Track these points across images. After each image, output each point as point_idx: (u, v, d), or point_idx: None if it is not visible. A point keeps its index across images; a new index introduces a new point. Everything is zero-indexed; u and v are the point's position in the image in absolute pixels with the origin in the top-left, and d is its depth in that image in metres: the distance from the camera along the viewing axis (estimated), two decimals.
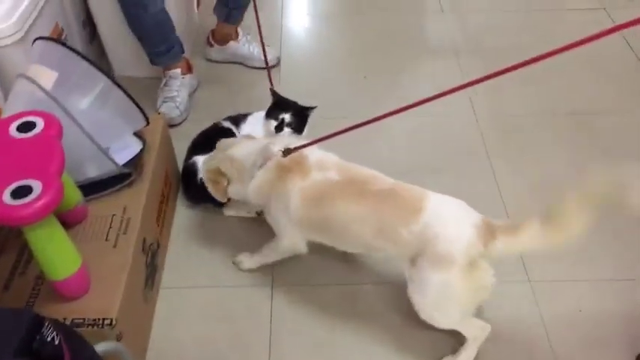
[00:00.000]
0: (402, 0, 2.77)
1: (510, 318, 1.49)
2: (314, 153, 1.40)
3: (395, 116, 1.21)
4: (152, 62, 2.07)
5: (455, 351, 1.39)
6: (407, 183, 1.33)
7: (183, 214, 1.78)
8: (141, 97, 2.16)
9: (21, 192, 1.04)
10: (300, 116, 1.75)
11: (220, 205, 1.67)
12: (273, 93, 1.79)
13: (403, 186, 1.32)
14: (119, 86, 1.44)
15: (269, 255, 1.55)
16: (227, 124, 1.84)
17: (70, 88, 1.39)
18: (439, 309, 1.31)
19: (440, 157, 1.97)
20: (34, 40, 1.46)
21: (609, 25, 0.90)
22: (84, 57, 1.41)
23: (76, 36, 2.08)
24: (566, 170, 1.88)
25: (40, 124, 1.19)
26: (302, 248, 1.46)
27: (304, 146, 1.37)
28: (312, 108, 1.76)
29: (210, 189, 1.51)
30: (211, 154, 1.54)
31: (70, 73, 1.41)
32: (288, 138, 1.50)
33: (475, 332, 1.36)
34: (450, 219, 1.25)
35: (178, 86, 2.09)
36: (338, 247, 1.43)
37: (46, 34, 1.78)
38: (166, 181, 1.68)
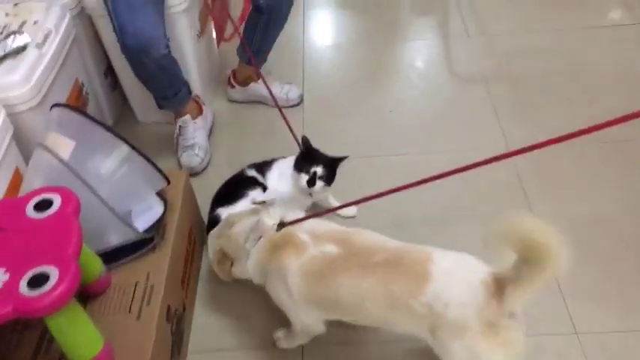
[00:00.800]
0: (425, 26, 2.70)
1: None
2: (303, 225, 1.33)
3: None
4: (160, 107, 2.03)
5: None
6: (414, 242, 1.25)
7: (209, 270, 1.74)
8: (164, 142, 2.20)
9: (37, 281, 1.01)
10: (332, 168, 1.69)
11: None
12: (304, 141, 1.73)
13: (407, 250, 1.24)
14: (137, 150, 1.41)
15: (297, 336, 1.46)
16: (252, 173, 1.80)
17: (88, 155, 1.37)
18: None
19: (474, 198, 1.88)
20: (52, 107, 1.44)
21: None
22: (100, 123, 1.39)
23: (97, 86, 2.09)
24: (614, 205, 1.78)
25: (57, 201, 1.16)
26: (318, 329, 1.38)
27: (299, 220, 1.31)
28: (343, 158, 1.69)
29: (216, 269, 1.47)
30: (218, 227, 1.49)
31: (88, 140, 1.39)
32: (282, 210, 1.43)
33: None
34: (457, 283, 1.16)
35: (192, 132, 2.05)
36: (359, 324, 1.35)
37: (66, 92, 1.78)
38: (190, 239, 1.64)
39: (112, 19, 1.72)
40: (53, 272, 1.01)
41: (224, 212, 1.68)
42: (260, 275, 1.38)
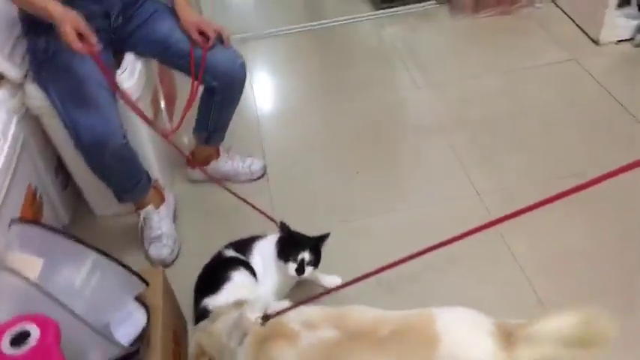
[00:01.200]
0: (375, 81, 2.74)
1: None
2: (289, 313, 1.26)
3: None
4: (120, 200, 1.93)
5: None
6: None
7: None
8: (128, 235, 2.09)
9: None
10: (316, 249, 1.64)
11: None
12: (283, 227, 1.68)
13: (409, 316, 1.21)
14: (109, 256, 1.32)
15: None
16: (230, 253, 1.73)
17: (56, 270, 1.27)
18: None
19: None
20: (10, 224, 1.34)
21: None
22: (64, 233, 1.31)
23: (49, 187, 1.97)
24: (583, 241, 1.81)
25: (35, 332, 1.06)
26: None
27: (284, 311, 1.24)
28: (325, 237, 1.66)
29: None
30: (203, 322, 1.43)
31: (54, 253, 1.29)
32: (264, 300, 1.37)
33: None
34: (465, 341, 1.15)
35: (158, 222, 1.96)
36: None
37: (20, 200, 1.67)
38: (175, 340, 1.53)
39: (61, 118, 1.65)
40: None
41: (211, 302, 1.61)
42: None
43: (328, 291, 1.33)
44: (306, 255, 1.60)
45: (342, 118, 2.54)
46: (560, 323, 1.08)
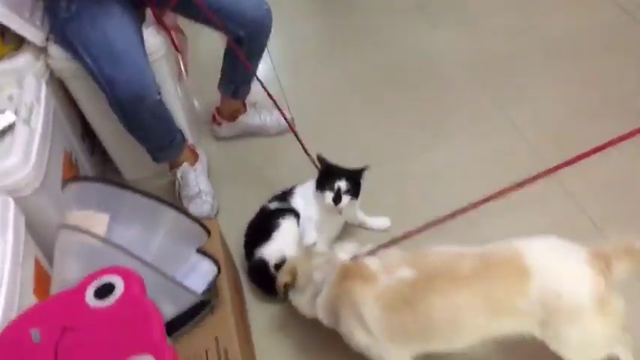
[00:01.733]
0: (394, 26, 2.66)
1: None
2: (371, 257, 1.27)
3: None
4: (155, 160, 1.89)
5: None
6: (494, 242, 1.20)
7: (257, 320, 1.62)
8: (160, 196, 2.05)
9: None
10: (355, 180, 1.62)
11: None
12: (320, 160, 1.65)
13: (491, 251, 1.19)
14: (170, 205, 1.29)
15: None
16: (275, 205, 1.71)
17: (123, 225, 1.24)
18: (590, 353, 1.19)
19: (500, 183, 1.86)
20: (65, 184, 1.30)
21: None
22: (127, 187, 1.26)
23: (79, 152, 1.93)
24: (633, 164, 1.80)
25: (119, 283, 1.04)
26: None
27: (374, 252, 1.26)
28: (364, 169, 1.63)
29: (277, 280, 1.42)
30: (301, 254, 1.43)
31: (118, 208, 1.25)
32: (352, 246, 1.36)
33: (620, 347, 1.25)
34: (561, 270, 1.13)
35: (195, 180, 1.93)
36: (449, 349, 1.26)
37: (60, 165, 1.63)
38: (236, 289, 1.52)
39: (94, 76, 1.59)
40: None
41: (264, 251, 1.61)
42: (330, 315, 1.29)
43: (406, 235, 1.29)
44: (342, 184, 1.58)
45: (363, 65, 2.48)
46: None
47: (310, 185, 1.71)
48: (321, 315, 1.32)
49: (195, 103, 2.33)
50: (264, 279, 1.61)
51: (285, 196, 1.74)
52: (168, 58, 1.86)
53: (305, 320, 1.56)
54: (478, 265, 1.16)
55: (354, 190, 1.62)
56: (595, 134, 0.90)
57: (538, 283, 1.10)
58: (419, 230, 1.20)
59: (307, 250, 1.42)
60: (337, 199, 1.59)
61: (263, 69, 2.52)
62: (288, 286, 1.40)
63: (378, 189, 1.76)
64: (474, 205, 1.10)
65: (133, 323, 0.97)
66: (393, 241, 1.28)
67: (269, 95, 1.77)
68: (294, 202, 1.71)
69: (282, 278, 1.38)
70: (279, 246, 1.61)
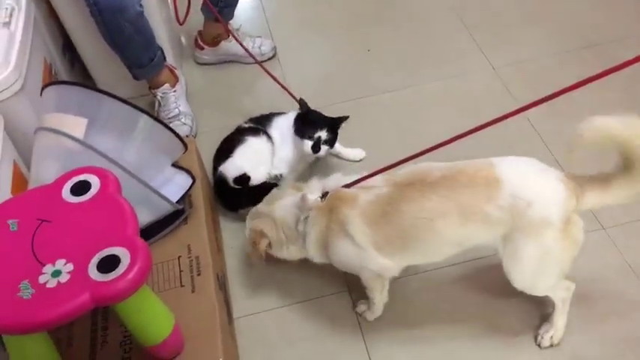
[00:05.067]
0: None
1: (598, 271, 1.47)
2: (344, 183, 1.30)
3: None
4: (135, 77, 1.90)
5: (543, 317, 1.39)
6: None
7: (228, 234, 1.68)
8: None
9: (108, 264, 0.93)
10: (333, 130, 1.66)
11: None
12: (302, 104, 1.68)
13: (463, 163, 1.21)
14: (154, 118, 1.31)
15: (375, 296, 1.40)
16: (248, 125, 1.76)
17: (101, 130, 1.25)
18: (540, 277, 1.24)
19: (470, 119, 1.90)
20: (44, 87, 1.31)
21: None
22: (107, 93, 1.27)
23: (59, 65, 1.91)
24: (600, 105, 1.85)
25: (95, 181, 1.07)
26: (394, 269, 1.32)
27: (344, 187, 1.28)
28: (343, 119, 1.67)
29: (249, 250, 1.41)
30: (255, 209, 1.42)
31: (97, 114, 1.26)
32: (317, 182, 1.37)
33: (563, 294, 1.32)
34: (534, 181, 1.16)
35: (175, 101, 1.94)
36: (429, 260, 1.34)
37: (40, 73, 1.62)
38: (211, 205, 1.57)
39: None
40: (122, 252, 0.93)
41: (225, 167, 1.66)
42: (322, 251, 1.33)
43: (383, 169, 1.29)
44: (323, 134, 1.62)
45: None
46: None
47: (288, 118, 1.73)
48: (312, 253, 1.35)
49: (182, 39, 2.30)
50: (224, 194, 1.67)
51: (262, 120, 1.77)
52: None
53: None
54: (448, 173, 1.19)
55: (332, 140, 1.66)
56: (571, 79, 0.93)
57: (509, 190, 1.13)
58: (392, 166, 1.22)
59: (260, 208, 1.42)
60: (316, 148, 1.62)
61: None
62: (269, 248, 1.39)
63: (354, 122, 1.79)
64: (446, 142, 1.12)
65: (108, 219, 1.00)
66: (368, 176, 1.27)
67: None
68: (270, 129, 1.74)
69: (261, 246, 1.35)
70: (240, 162, 1.65)
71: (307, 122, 1.66)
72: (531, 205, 1.12)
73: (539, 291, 1.30)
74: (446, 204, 1.16)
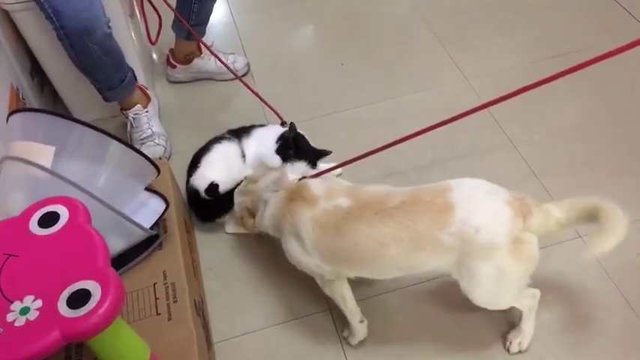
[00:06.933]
0: None
1: (575, 277, 1.48)
2: (316, 181, 1.32)
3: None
4: (106, 99, 1.85)
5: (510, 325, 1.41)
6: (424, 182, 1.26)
7: (206, 252, 1.65)
8: None
9: (78, 299, 0.90)
10: (314, 162, 1.65)
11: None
12: (292, 128, 1.67)
13: (422, 189, 1.23)
14: (123, 142, 1.28)
15: (342, 309, 1.39)
16: (224, 135, 1.74)
17: (70, 157, 1.23)
18: (498, 295, 1.26)
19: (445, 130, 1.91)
20: (10, 115, 1.27)
21: None
22: (76, 120, 1.24)
23: (27, 89, 1.87)
24: (579, 117, 1.87)
25: (64, 211, 1.04)
26: (342, 289, 1.34)
27: (322, 173, 1.33)
28: (326, 153, 1.66)
29: (240, 224, 1.46)
30: (242, 184, 1.46)
31: (65, 141, 1.24)
32: (304, 165, 1.41)
33: (529, 302, 1.33)
34: (482, 206, 1.18)
35: (147, 122, 1.91)
36: (374, 277, 1.35)
37: (6, 100, 1.58)
38: (187, 229, 1.54)
39: (42, 6, 1.53)
40: (93, 286, 0.91)
41: (193, 179, 1.65)
42: (274, 227, 1.35)
43: (346, 162, 1.36)
44: (302, 165, 1.62)
45: (322, 11, 2.46)
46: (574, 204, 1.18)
47: (270, 133, 1.71)
48: (266, 224, 1.36)
49: (154, 55, 2.28)
50: (198, 206, 1.65)
51: (241, 131, 1.75)
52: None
53: (251, 257, 1.62)
54: (407, 199, 1.19)
55: (312, 167, 1.66)
56: (544, 88, 0.95)
57: (459, 216, 1.14)
58: (366, 154, 1.27)
59: (248, 185, 1.45)
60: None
61: (220, 12, 2.48)
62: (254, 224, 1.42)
63: (329, 136, 1.79)
64: (414, 135, 1.15)
65: (78, 251, 0.97)
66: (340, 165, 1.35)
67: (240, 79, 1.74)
68: (248, 141, 1.71)
69: (247, 224, 1.40)
70: (207, 172, 1.64)
71: (291, 147, 1.65)
72: (479, 231, 1.14)
73: (502, 306, 1.32)
74: (401, 231, 1.16)
